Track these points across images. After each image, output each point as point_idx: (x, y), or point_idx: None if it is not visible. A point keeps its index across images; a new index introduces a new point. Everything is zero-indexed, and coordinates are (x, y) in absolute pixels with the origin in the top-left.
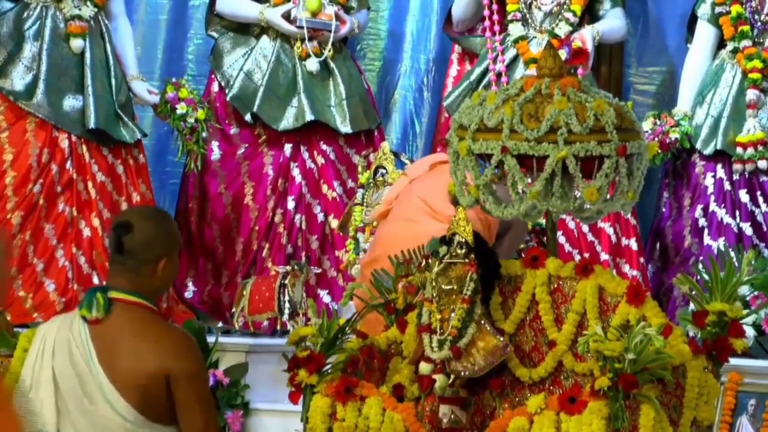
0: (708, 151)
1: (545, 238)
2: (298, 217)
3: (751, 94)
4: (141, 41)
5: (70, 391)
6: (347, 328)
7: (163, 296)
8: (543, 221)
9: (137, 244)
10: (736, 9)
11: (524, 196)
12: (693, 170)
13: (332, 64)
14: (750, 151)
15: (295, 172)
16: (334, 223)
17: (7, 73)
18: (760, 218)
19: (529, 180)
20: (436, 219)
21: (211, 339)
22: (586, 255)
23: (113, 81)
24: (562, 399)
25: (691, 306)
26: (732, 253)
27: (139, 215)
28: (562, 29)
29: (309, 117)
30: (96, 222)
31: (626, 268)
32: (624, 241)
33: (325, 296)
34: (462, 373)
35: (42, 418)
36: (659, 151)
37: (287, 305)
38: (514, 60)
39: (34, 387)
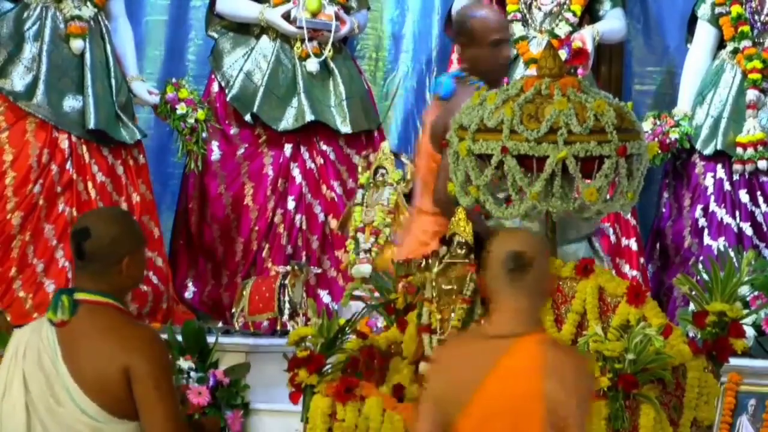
0: (708, 151)
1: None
2: (298, 217)
3: (751, 95)
4: (142, 42)
5: (39, 392)
6: (347, 328)
7: (162, 297)
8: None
9: (97, 248)
10: (736, 9)
11: (524, 197)
12: (693, 170)
13: (332, 65)
14: (750, 151)
15: (295, 173)
16: (334, 223)
17: (7, 73)
18: (760, 218)
19: (529, 180)
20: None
21: (211, 339)
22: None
23: (113, 82)
24: None
25: (691, 306)
26: (732, 254)
27: (96, 219)
28: (562, 29)
29: (309, 117)
30: None
31: (626, 269)
32: (624, 242)
33: (325, 296)
34: None
35: (14, 420)
36: (659, 151)
37: (287, 305)
38: (514, 60)
39: (7, 390)
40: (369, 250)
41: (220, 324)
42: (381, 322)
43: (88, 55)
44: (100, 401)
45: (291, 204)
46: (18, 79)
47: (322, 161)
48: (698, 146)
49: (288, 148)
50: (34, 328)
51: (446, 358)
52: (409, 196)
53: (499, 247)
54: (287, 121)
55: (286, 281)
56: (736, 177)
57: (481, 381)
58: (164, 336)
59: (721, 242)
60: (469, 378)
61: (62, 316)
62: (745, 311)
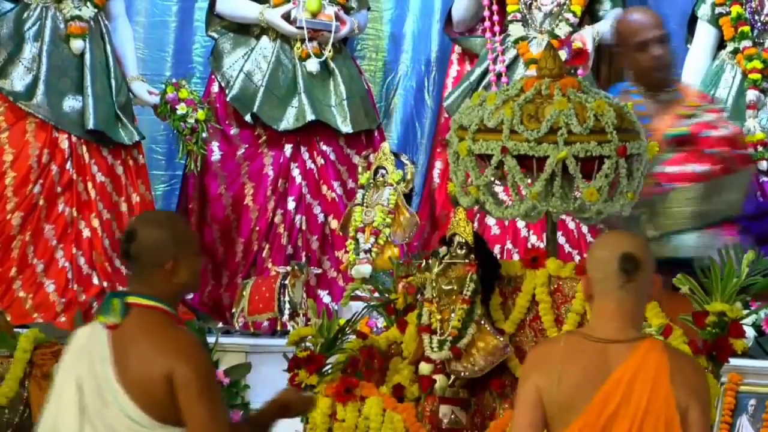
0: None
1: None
2: (298, 217)
3: (751, 95)
4: (149, 44)
5: (90, 394)
6: (347, 328)
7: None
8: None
9: (140, 250)
10: (736, 9)
11: (524, 197)
12: None
13: (332, 65)
14: (750, 151)
15: (295, 173)
16: (334, 223)
17: (7, 73)
18: None
19: (529, 180)
20: None
21: (211, 339)
22: (586, 255)
23: (113, 82)
24: None
25: None
26: (732, 254)
27: (143, 221)
28: (562, 30)
29: (309, 117)
30: (96, 223)
31: None
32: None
33: (325, 297)
34: (462, 374)
35: (67, 421)
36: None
37: (287, 306)
38: (514, 60)
39: (63, 390)
40: (369, 250)
41: (220, 324)
42: (381, 322)
43: (88, 56)
44: (144, 405)
45: (291, 204)
46: (18, 80)
47: (322, 161)
48: None
49: (288, 149)
50: (92, 328)
51: (550, 357)
52: (408, 197)
53: (610, 249)
54: (287, 121)
55: (286, 281)
56: None
57: (599, 385)
58: None
59: None
60: (584, 381)
61: (113, 319)
62: (745, 311)
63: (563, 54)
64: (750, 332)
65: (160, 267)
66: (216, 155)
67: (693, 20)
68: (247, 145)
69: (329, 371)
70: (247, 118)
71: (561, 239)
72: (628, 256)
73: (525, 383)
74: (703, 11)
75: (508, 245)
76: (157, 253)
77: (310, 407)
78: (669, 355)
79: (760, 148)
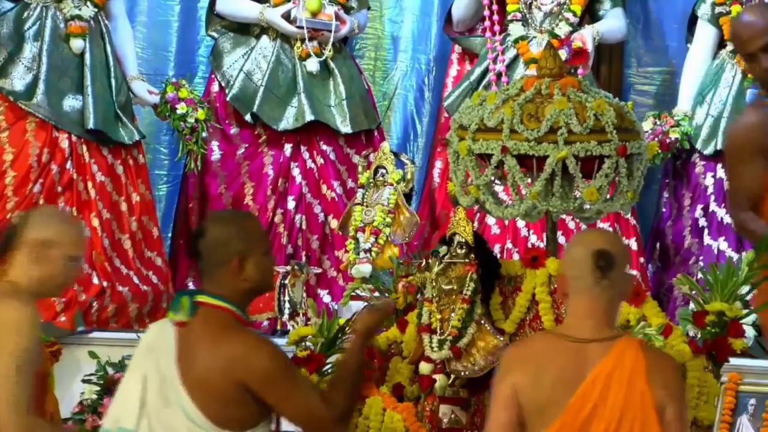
0: (708, 151)
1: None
2: (298, 217)
3: (751, 95)
4: (152, 44)
5: (153, 391)
6: (347, 328)
7: (162, 297)
8: None
9: (206, 247)
10: (736, 9)
11: (524, 197)
12: (693, 170)
13: (332, 64)
14: None
15: (295, 172)
16: (334, 223)
17: (7, 73)
18: None
19: (529, 180)
20: None
21: None
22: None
23: (113, 82)
24: None
25: (691, 306)
26: (732, 254)
27: (213, 219)
28: (562, 29)
29: (309, 117)
30: (95, 222)
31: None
32: (624, 241)
33: (325, 296)
34: (462, 373)
35: (128, 416)
36: (659, 150)
37: (287, 305)
38: (514, 60)
39: (129, 384)
40: (369, 250)
41: None
42: None
43: (88, 55)
44: (205, 408)
45: (291, 204)
46: (18, 79)
47: (322, 161)
48: (698, 146)
49: (288, 148)
50: (162, 325)
51: (527, 357)
52: (408, 196)
53: (585, 246)
54: (287, 121)
55: (286, 281)
56: None
57: (576, 385)
58: None
59: (722, 242)
60: (561, 381)
61: (181, 317)
62: (745, 311)
63: (563, 54)
64: (750, 332)
65: (227, 264)
66: (216, 155)
67: (693, 20)
68: (247, 145)
69: (329, 371)
70: (247, 117)
71: (561, 239)
72: (603, 254)
73: (502, 382)
74: (704, 11)
75: (508, 245)
76: (223, 249)
77: (390, 313)
78: (645, 353)
79: None
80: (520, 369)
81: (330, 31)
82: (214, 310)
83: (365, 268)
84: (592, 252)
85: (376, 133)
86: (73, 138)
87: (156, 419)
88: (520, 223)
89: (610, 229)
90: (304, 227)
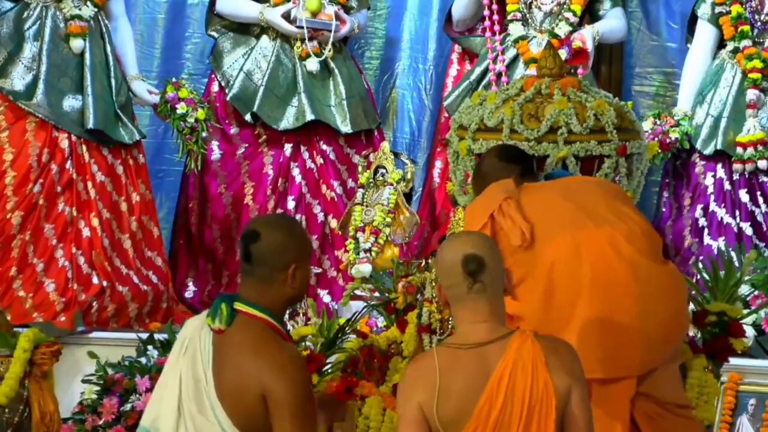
0: (708, 151)
1: None
2: (298, 216)
3: (751, 94)
4: (139, 40)
5: (187, 396)
6: (347, 328)
7: (162, 296)
8: None
9: (265, 252)
10: (736, 9)
11: None
12: (693, 170)
13: (332, 64)
14: (750, 151)
15: (295, 172)
16: (334, 223)
17: (7, 73)
18: (760, 218)
19: None
20: None
21: None
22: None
23: (113, 81)
24: None
25: (691, 306)
26: (732, 253)
27: (265, 223)
28: (562, 29)
29: (309, 117)
30: (95, 222)
31: None
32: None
33: (325, 296)
34: None
35: (166, 420)
36: (659, 150)
37: None
38: (514, 60)
39: (166, 387)
40: (369, 250)
41: None
42: (381, 322)
43: (87, 55)
44: (236, 418)
45: (291, 203)
46: (18, 79)
47: (322, 161)
48: (698, 146)
49: (288, 148)
50: (199, 327)
51: (427, 373)
52: (408, 196)
53: (453, 253)
54: (287, 121)
55: None
56: (736, 177)
57: (482, 388)
58: (164, 336)
59: (721, 242)
60: (467, 390)
61: (219, 324)
62: (745, 311)
63: (563, 54)
64: (750, 332)
65: (284, 271)
66: (216, 154)
67: (693, 20)
68: (247, 145)
69: (329, 371)
70: (247, 117)
71: None
72: (471, 258)
73: (407, 402)
74: (704, 11)
75: None
76: (282, 255)
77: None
78: (541, 343)
79: (760, 148)
80: (421, 387)
81: (330, 31)
82: (254, 320)
83: (365, 268)
84: (461, 258)
85: (376, 133)
86: (73, 138)
87: (192, 426)
88: None
89: None
90: (303, 227)
